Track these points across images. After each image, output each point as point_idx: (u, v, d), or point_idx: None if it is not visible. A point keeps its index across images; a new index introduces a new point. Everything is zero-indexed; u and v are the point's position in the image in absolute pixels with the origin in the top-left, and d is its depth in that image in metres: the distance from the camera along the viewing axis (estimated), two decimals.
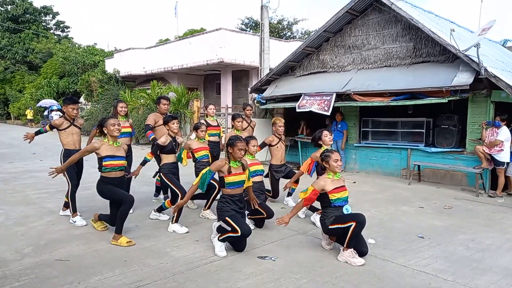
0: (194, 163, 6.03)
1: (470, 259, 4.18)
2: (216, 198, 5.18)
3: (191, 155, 5.94)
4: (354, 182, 8.40)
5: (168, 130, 5.34)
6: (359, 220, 3.95)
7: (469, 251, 4.40)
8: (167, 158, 5.28)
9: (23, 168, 9.96)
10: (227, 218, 4.20)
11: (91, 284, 3.45)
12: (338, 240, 4.27)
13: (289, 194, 6.48)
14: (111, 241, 4.45)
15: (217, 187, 5.51)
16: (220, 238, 4.22)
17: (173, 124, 5.35)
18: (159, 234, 4.82)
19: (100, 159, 4.45)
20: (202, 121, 6.75)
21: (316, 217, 5.28)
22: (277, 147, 6.39)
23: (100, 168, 4.49)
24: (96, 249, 4.28)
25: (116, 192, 4.50)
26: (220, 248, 4.18)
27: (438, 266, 3.95)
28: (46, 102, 26.75)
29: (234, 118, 6.68)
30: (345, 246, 4.02)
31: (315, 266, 3.92)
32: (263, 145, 6.36)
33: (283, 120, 6.49)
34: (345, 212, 4.14)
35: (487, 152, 7.37)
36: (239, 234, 4.07)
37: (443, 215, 5.97)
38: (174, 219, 4.96)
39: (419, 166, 8.61)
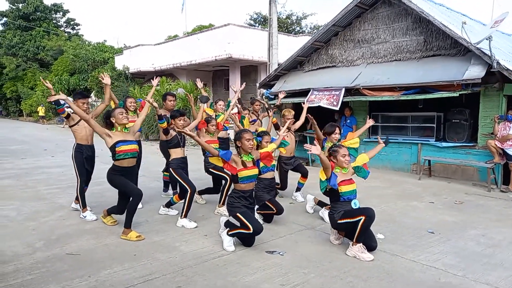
0: (203, 158, 6.05)
1: (481, 254, 4.13)
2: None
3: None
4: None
5: (173, 125, 5.34)
6: (369, 214, 3.93)
7: (479, 247, 4.35)
8: (176, 153, 5.30)
9: (35, 164, 10.10)
10: (238, 214, 4.19)
11: (101, 277, 3.49)
12: (347, 235, 4.25)
13: (298, 189, 6.47)
14: (120, 235, 4.50)
15: (228, 180, 5.52)
16: (229, 233, 4.22)
17: (180, 120, 5.33)
18: (168, 229, 4.85)
19: (113, 147, 4.46)
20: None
21: (324, 212, 5.26)
22: (287, 136, 6.34)
23: (114, 156, 4.50)
24: (106, 244, 4.33)
25: (126, 184, 4.54)
26: (229, 243, 4.19)
27: (448, 261, 3.91)
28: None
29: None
30: (354, 240, 4.00)
31: (323, 261, 3.91)
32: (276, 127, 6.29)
33: (293, 112, 6.42)
34: (353, 206, 4.12)
35: (499, 147, 7.27)
36: (251, 231, 4.06)
37: (453, 210, 5.90)
38: (183, 214, 4.99)
39: (429, 161, 8.52)
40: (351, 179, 4.27)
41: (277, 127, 6.24)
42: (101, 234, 4.65)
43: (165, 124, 5.17)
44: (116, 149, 4.46)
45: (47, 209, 5.78)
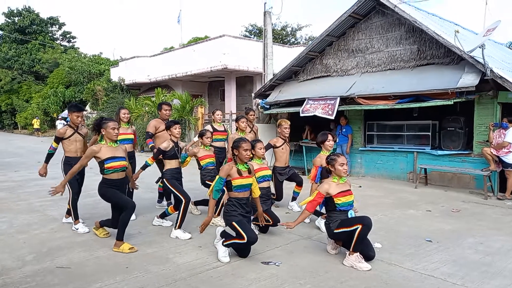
0: (199, 171, 5.98)
1: (480, 262, 4.07)
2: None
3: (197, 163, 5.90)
4: (360, 186, 8.29)
5: (170, 135, 5.31)
6: (365, 222, 3.87)
7: (478, 255, 4.29)
8: (170, 164, 5.24)
9: (28, 177, 9.97)
10: (234, 223, 4.12)
11: None
12: (344, 245, 4.18)
13: (293, 199, 6.41)
14: (113, 248, 4.40)
15: (225, 192, 5.44)
16: (224, 243, 4.14)
17: (175, 129, 5.32)
18: (162, 240, 4.76)
19: (102, 162, 4.41)
20: (208, 126, 6.71)
21: (321, 222, 5.19)
22: (282, 148, 6.29)
23: (102, 171, 4.46)
24: (97, 256, 4.24)
25: (118, 196, 4.46)
26: (224, 253, 4.11)
27: (447, 270, 3.85)
28: (66, 113, 26.71)
29: (238, 119, 6.63)
30: (351, 250, 3.93)
31: (320, 271, 3.84)
32: (268, 147, 6.27)
33: (289, 122, 6.40)
34: (349, 216, 4.07)
35: (494, 154, 7.26)
36: (245, 241, 3.99)
37: (451, 218, 5.85)
38: (177, 225, 4.91)
39: (425, 169, 8.49)
40: (349, 190, 4.22)
41: (269, 146, 6.25)
42: (93, 246, 4.55)
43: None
44: (105, 165, 4.42)
45: (38, 221, 5.67)
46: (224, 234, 4.34)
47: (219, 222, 5.42)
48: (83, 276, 3.70)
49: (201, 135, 5.90)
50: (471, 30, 11.48)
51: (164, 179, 5.23)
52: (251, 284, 3.54)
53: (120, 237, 4.39)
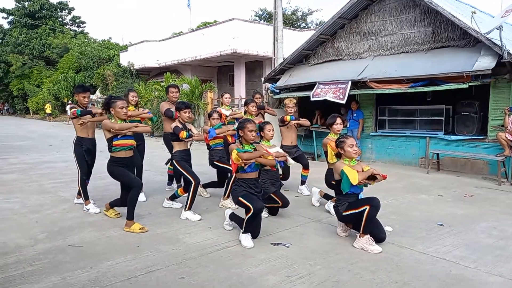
0: (208, 151, 5.96)
1: (493, 246, 4.00)
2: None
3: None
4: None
5: (178, 117, 5.23)
6: (373, 203, 3.82)
7: (491, 239, 4.22)
8: (180, 145, 5.21)
9: (40, 159, 10.10)
10: (240, 198, 4.11)
11: (102, 269, 3.42)
12: (354, 227, 4.15)
13: (302, 183, 6.37)
14: (123, 227, 4.43)
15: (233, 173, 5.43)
16: (243, 232, 4.07)
17: (185, 113, 5.22)
18: (172, 222, 4.78)
19: (110, 139, 4.43)
20: (218, 109, 6.66)
21: (330, 205, 5.16)
22: (287, 127, 6.27)
23: (110, 148, 4.48)
24: (108, 236, 4.27)
25: (125, 175, 4.49)
26: (246, 239, 4.01)
27: (459, 254, 3.80)
28: None
29: (247, 103, 6.56)
30: (361, 232, 3.89)
31: (330, 252, 3.82)
32: (281, 120, 6.22)
33: (294, 101, 6.40)
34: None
35: (509, 139, 7.10)
36: (252, 211, 3.97)
37: (463, 203, 5.77)
38: (187, 206, 4.91)
39: (438, 154, 8.36)
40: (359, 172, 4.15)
41: (282, 120, 6.19)
42: (104, 226, 4.59)
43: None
44: (114, 142, 4.44)
45: (50, 202, 5.74)
46: (232, 216, 4.34)
47: (228, 204, 5.42)
48: (95, 255, 3.73)
49: (209, 115, 5.89)
50: (488, 13, 11.15)
51: (174, 161, 5.21)
52: (261, 264, 3.53)
53: (130, 217, 4.42)
